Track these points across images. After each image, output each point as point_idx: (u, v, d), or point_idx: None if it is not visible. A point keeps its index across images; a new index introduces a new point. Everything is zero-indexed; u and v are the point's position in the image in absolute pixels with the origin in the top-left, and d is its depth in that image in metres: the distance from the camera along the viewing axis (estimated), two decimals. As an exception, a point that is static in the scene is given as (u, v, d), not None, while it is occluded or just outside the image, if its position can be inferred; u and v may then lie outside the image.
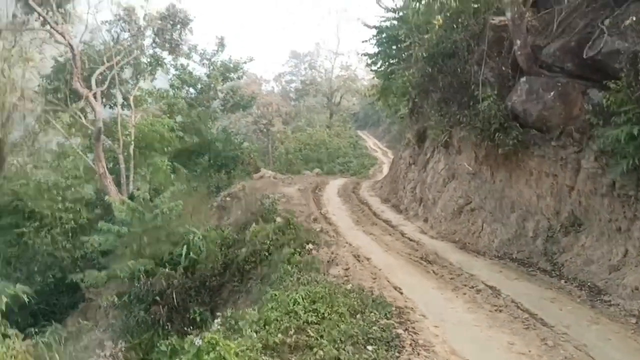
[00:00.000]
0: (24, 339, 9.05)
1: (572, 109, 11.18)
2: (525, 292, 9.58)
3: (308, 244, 13.24)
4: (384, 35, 23.12)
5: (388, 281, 10.38)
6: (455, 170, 16.26)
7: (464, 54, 14.87)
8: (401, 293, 9.61)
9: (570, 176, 10.96)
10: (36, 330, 10.55)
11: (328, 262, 11.98)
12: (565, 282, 10.09)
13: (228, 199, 23.52)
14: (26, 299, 9.92)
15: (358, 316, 7.91)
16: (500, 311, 8.62)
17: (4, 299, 8.14)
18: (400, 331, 7.42)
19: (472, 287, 10.04)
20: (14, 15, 27.81)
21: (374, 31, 23.57)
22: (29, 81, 35.43)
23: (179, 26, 31.10)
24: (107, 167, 25.89)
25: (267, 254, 13.40)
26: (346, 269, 11.27)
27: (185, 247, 14.72)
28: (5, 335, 8.12)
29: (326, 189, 25.52)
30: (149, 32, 30.91)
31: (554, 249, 11.16)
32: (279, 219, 15.32)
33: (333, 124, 63.22)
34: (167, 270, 14.16)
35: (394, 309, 8.35)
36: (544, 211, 11.80)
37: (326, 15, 68.62)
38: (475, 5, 14.60)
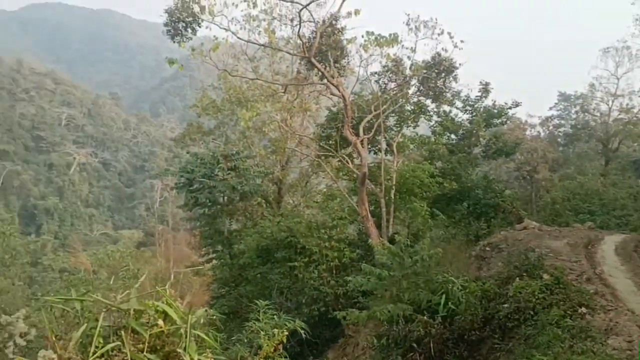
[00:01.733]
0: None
1: None
2: None
3: (581, 307, 11.93)
4: (678, 72, 20.29)
5: (688, 363, 8.69)
6: None
7: None
8: None
9: None
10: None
11: (605, 330, 10.61)
12: None
13: (487, 248, 22.65)
14: (303, 334, 10.75)
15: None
16: None
17: (285, 332, 8.94)
18: None
19: None
20: (298, 72, 31.47)
21: (665, 69, 20.85)
22: (306, 129, 39.84)
23: (443, 74, 31.44)
24: (369, 210, 27.07)
25: (532, 312, 12.39)
26: (629, 341, 9.79)
27: (444, 296, 14.47)
28: (283, 365, 8.85)
29: (601, 246, 22.82)
30: (413, 81, 31.81)
31: None
32: (545, 276, 14.14)
33: (609, 172, 57.21)
34: (425, 318, 14.05)
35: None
36: None
37: (602, 54, 62.28)
38: None
